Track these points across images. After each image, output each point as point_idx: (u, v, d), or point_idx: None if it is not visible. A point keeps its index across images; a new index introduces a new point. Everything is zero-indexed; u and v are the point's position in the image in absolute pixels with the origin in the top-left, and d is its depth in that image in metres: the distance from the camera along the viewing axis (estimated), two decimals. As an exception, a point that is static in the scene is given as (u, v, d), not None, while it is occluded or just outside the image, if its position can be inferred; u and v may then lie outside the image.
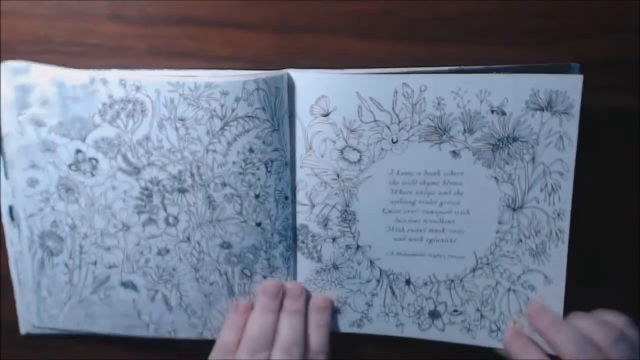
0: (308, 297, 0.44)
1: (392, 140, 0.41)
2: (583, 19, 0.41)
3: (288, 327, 0.42)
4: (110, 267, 0.44)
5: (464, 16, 0.41)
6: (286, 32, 0.41)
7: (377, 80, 0.40)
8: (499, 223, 0.42)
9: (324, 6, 0.41)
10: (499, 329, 0.44)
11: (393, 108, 0.41)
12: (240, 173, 0.41)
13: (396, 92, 0.40)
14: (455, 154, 0.41)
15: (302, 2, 0.41)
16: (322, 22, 0.41)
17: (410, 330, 0.45)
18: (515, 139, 0.41)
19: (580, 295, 0.42)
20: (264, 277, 0.44)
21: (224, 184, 0.41)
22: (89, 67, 0.41)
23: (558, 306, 0.42)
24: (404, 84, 0.40)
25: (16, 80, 0.41)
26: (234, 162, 0.41)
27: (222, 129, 0.40)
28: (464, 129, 0.41)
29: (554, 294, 0.42)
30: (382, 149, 0.42)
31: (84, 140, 0.42)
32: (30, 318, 0.46)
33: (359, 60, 0.42)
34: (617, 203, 0.44)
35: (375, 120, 0.41)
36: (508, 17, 0.41)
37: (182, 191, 0.42)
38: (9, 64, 0.41)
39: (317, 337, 0.42)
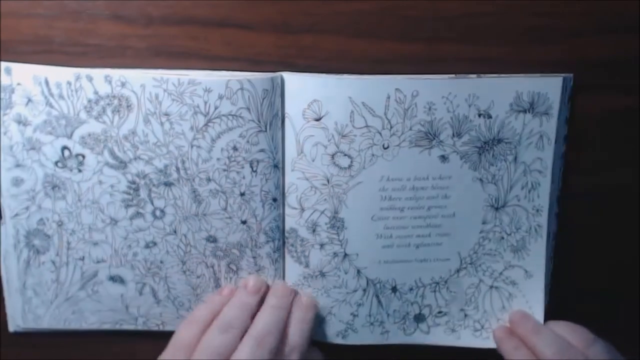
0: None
1: (383, 146, 0.42)
2: (582, 19, 0.41)
3: (267, 318, 0.41)
4: (98, 262, 0.45)
5: (464, 16, 0.41)
6: (286, 32, 0.41)
7: (370, 85, 0.41)
8: (483, 223, 0.43)
9: (324, 6, 0.41)
10: (482, 327, 0.44)
11: (385, 113, 0.41)
12: (224, 170, 0.42)
13: (389, 97, 0.41)
14: (444, 158, 0.42)
15: (302, 2, 0.41)
16: (322, 22, 0.41)
17: (395, 337, 0.45)
18: (499, 141, 0.41)
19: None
20: (250, 274, 0.44)
21: (209, 179, 0.42)
22: (89, 67, 0.41)
23: (539, 300, 0.43)
24: (396, 89, 0.41)
25: None
26: (218, 159, 0.41)
27: (205, 125, 0.41)
28: (453, 133, 0.41)
29: (535, 288, 0.44)
30: (373, 155, 0.42)
31: (70, 137, 0.42)
32: (15, 319, 0.47)
33: (359, 61, 0.42)
34: (617, 202, 0.44)
35: (367, 126, 0.41)
36: (508, 17, 0.41)
37: (168, 185, 0.42)
38: None
39: (296, 333, 0.42)
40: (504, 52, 0.41)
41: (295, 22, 0.41)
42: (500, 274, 0.44)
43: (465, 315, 0.45)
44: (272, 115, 0.41)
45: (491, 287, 0.44)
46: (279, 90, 0.41)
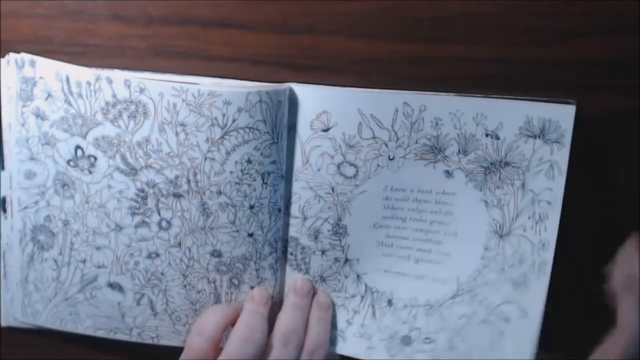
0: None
1: (389, 157, 0.43)
2: (582, 19, 0.41)
3: (289, 317, 0.43)
4: (99, 266, 0.45)
5: (464, 16, 0.41)
6: (286, 32, 0.43)
7: (379, 97, 0.42)
8: (485, 249, 0.44)
9: (324, 6, 0.42)
10: None
11: (392, 126, 0.43)
12: (236, 183, 0.42)
13: (397, 110, 0.42)
14: (448, 173, 0.43)
15: (302, 2, 0.42)
16: (322, 22, 0.42)
17: (379, 355, 0.46)
18: (507, 164, 0.42)
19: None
20: (252, 288, 0.45)
21: (220, 193, 0.42)
22: (88, 67, 0.42)
23: (531, 341, 0.43)
24: (405, 103, 0.42)
25: (21, 72, 0.43)
26: (231, 172, 0.42)
27: (221, 137, 0.41)
28: (459, 150, 0.43)
29: (529, 328, 0.43)
30: (378, 165, 0.43)
31: (84, 137, 0.42)
32: (13, 311, 0.48)
33: (359, 61, 0.43)
34: (617, 202, 0.44)
35: (374, 137, 0.43)
36: (508, 17, 0.42)
37: (177, 196, 0.43)
38: (15, 56, 0.43)
39: (319, 332, 0.44)
40: (504, 52, 0.42)
41: (295, 22, 0.42)
42: (496, 308, 0.44)
43: (451, 347, 0.45)
44: (282, 127, 0.42)
45: (483, 320, 0.44)
46: (288, 101, 0.42)
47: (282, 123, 0.42)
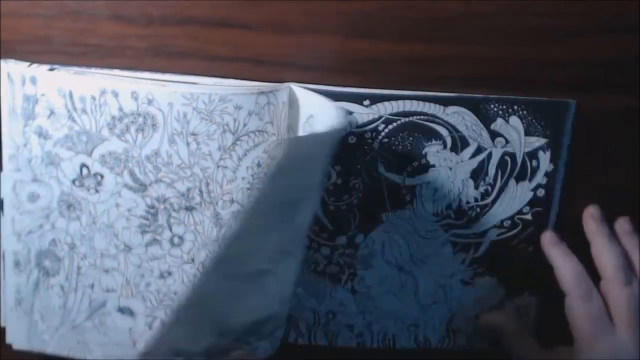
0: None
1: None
2: (582, 19, 0.42)
3: None
4: (107, 291, 0.44)
5: (464, 16, 0.41)
6: (286, 32, 0.42)
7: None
8: None
9: (324, 6, 0.42)
10: None
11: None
12: (248, 189, 0.41)
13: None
14: None
15: (302, 2, 0.42)
16: (322, 22, 0.42)
17: None
18: None
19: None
20: None
21: (232, 201, 0.41)
22: (88, 67, 0.42)
23: None
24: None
25: (23, 90, 0.41)
26: (242, 178, 0.41)
27: (233, 144, 0.40)
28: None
29: None
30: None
31: (90, 154, 0.41)
32: (18, 339, 0.46)
33: (359, 61, 0.43)
34: (617, 202, 0.44)
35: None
36: (508, 17, 0.42)
37: (189, 209, 0.41)
38: (14, 70, 0.41)
39: None
40: (504, 52, 0.42)
41: (295, 22, 0.42)
42: None
43: None
44: (285, 127, 0.42)
45: None
46: (288, 101, 0.42)
47: (284, 124, 0.42)
